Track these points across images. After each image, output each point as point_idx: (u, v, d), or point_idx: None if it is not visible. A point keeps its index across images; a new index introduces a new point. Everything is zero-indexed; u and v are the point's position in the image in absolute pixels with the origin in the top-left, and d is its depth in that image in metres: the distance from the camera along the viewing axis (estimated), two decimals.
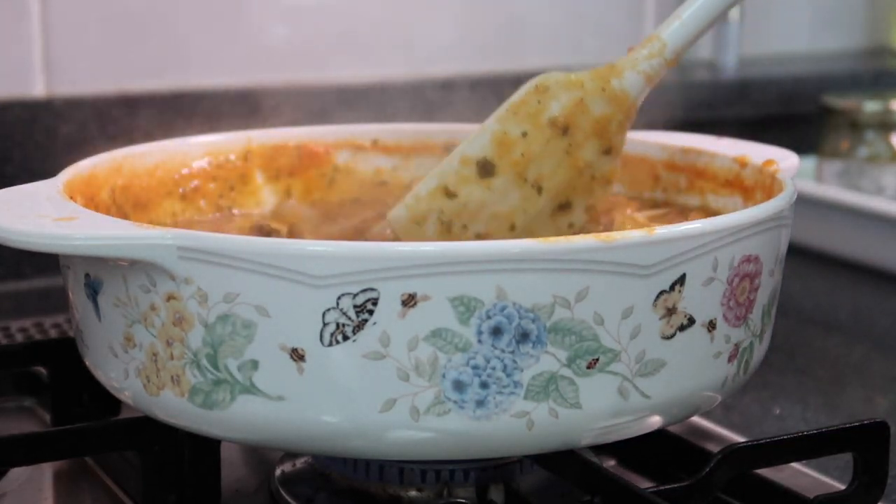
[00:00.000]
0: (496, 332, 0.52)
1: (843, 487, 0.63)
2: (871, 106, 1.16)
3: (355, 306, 0.52)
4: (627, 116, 0.67)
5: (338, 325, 0.52)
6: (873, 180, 1.15)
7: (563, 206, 0.68)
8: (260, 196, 0.77)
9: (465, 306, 0.52)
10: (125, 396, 0.59)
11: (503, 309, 0.52)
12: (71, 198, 0.61)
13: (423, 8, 1.16)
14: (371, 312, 0.52)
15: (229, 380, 0.54)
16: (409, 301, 0.52)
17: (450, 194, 0.68)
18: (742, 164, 0.70)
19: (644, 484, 0.65)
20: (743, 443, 0.60)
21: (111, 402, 0.69)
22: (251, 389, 0.54)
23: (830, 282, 1.06)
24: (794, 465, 0.67)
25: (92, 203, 0.66)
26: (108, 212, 0.67)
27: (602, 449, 0.68)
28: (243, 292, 0.53)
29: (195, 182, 0.75)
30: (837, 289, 1.05)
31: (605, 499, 0.56)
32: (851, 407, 0.80)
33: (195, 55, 1.07)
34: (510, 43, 1.21)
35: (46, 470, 0.68)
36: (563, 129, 0.66)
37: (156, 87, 1.05)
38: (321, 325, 0.52)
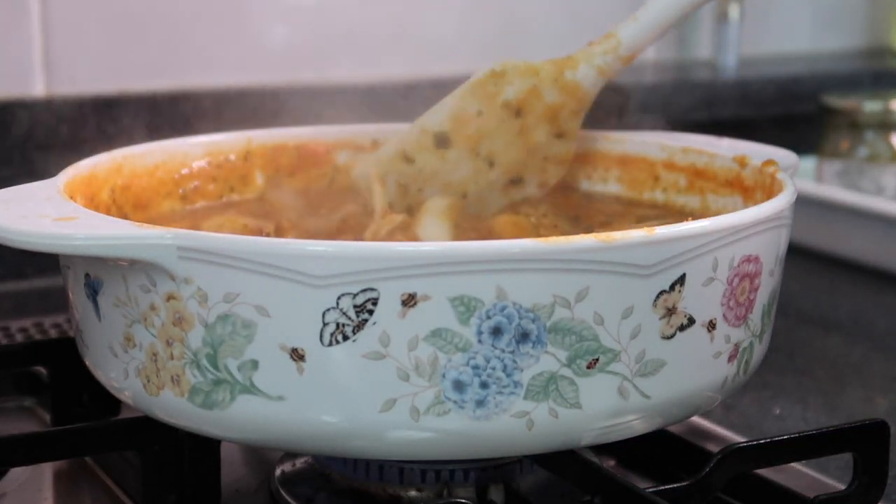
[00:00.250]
0: (496, 332, 0.52)
1: (843, 487, 0.63)
2: (871, 106, 1.16)
3: (355, 306, 0.52)
4: (580, 105, 0.72)
5: (338, 325, 0.52)
6: (873, 180, 1.14)
7: (515, 181, 0.73)
8: (259, 197, 0.77)
9: (465, 306, 0.52)
10: (125, 396, 0.59)
11: (503, 309, 0.52)
12: (71, 198, 0.61)
13: (422, 8, 1.16)
14: (371, 312, 0.52)
15: (229, 380, 0.54)
16: (409, 301, 0.52)
17: (408, 160, 0.73)
18: (742, 164, 0.70)
19: (644, 484, 0.65)
20: (743, 443, 0.60)
21: (111, 402, 0.69)
22: (251, 389, 0.54)
23: (830, 282, 1.06)
24: (794, 465, 0.67)
25: (92, 203, 0.66)
26: (108, 212, 0.67)
27: (602, 449, 0.68)
28: (243, 292, 0.53)
29: (195, 182, 0.75)
30: (837, 289, 1.05)
31: (605, 499, 0.56)
32: (851, 407, 0.80)
33: (195, 55, 1.07)
34: (510, 43, 1.21)
35: (46, 470, 0.68)
36: (517, 111, 0.72)
37: (156, 87, 1.05)
38: (321, 325, 0.52)
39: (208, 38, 1.08)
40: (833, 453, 0.63)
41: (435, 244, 0.53)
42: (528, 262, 0.52)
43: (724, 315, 0.57)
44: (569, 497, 0.62)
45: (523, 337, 0.52)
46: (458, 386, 0.53)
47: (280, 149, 0.78)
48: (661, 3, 0.71)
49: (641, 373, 0.55)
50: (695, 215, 0.72)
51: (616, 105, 1.12)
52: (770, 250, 0.59)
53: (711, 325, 0.56)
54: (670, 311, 0.55)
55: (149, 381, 0.56)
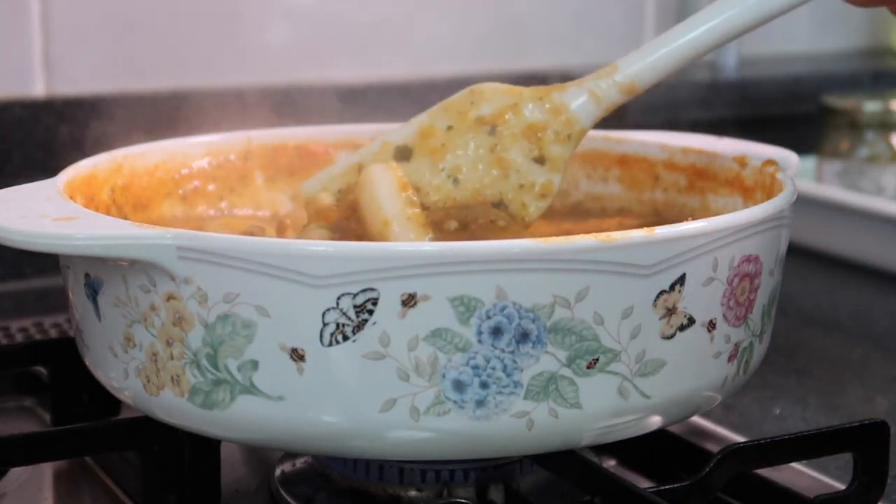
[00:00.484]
0: (496, 332, 0.52)
1: (843, 487, 0.63)
2: (871, 106, 1.16)
3: (355, 306, 0.52)
4: (567, 128, 0.65)
5: (338, 325, 0.52)
6: (873, 180, 1.15)
7: (497, 205, 0.66)
8: (260, 197, 0.77)
9: (465, 306, 0.52)
10: (125, 396, 0.59)
11: (503, 309, 0.52)
12: (71, 198, 0.61)
13: (422, 8, 1.16)
14: (371, 312, 0.52)
15: (229, 380, 0.54)
16: (409, 301, 0.52)
17: (362, 169, 0.66)
18: (742, 164, 0.70)
19: (644, 484, 0.65)
20: (743, 443, 0.60)
21: (111, 402, 0.69)
22: (251, 389, 0.54)
23: (830, 282, 1.06)
24: (794, 465, 0.67)
25: (92, 203, 0.66)
26: (108, 212, 0.67)
27: (602, 449, 0.68)
28: (243, 292, 0.53)
29: (195, 183, 0.75)
30: (837, 289, 1.05)
31: (605, 499, 0.56)
32: (851, 407, 0.80)
33: (195, 55, 1.07)
34: (510, 43, 1.21)
35: (46, 470, 0.68)
36: (491, 127, 0.65)
37: (156, 87, 1.05)
38: (321, 325, 0.52)
39: (208, 38, 1.08)
40: (833, 453, 0.63)
41: (435, 244, 0.53)
42: (528, 262, 0.52)
43: (724, 315, 0.57)
44: (569, 497, 0.62)
45: (523, 337, 0.52)
46: (458, 386, 0.53)
47: (280, 149, 0.78)
48: (670, 39, 0.65)
49: (641, 373, 0.55)
50: (695, 215, 0.72)
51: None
52: (770, 250, 0.59)
53: (711, 325, 0.56)
54: (670, 311, 0.55)
55: (149, 381, 0.56)
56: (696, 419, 0.72)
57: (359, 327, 0.52)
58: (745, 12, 0.64)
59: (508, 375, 0.53)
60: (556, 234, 0.53)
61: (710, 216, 0.59)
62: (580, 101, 0.65)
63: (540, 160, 0.65)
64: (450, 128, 0.66)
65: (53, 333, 0.87)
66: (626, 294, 0.53)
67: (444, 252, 0.52)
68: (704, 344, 0.57)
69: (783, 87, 1.29)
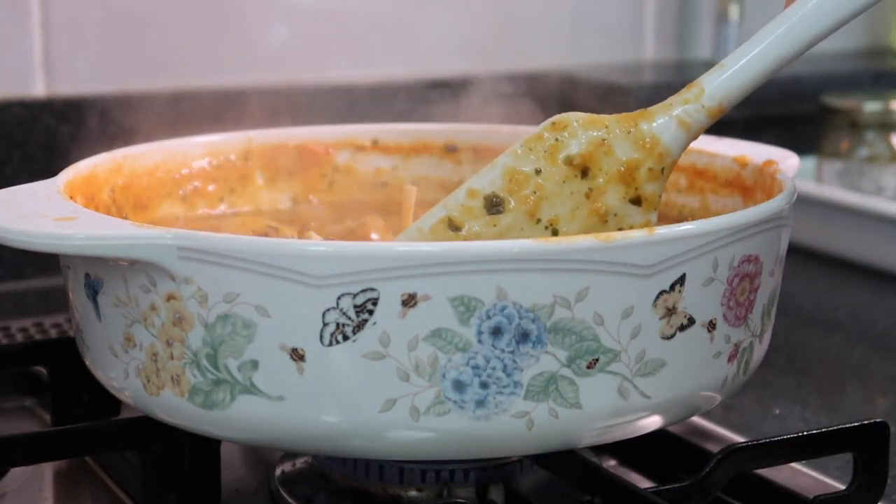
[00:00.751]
0: (496, 332, 0.52)
1: (843, 487, 0.63)
2: (871, 106, 1.16)
3: (355, 306, 0.52)
4: (660, 163, 0.61)
5: (338, 325, 0.52)
6: (873, 180, 1.14)
7: None
8: (260, 197, 0.77)
9: (465, 306, 0.52)
10: (125, 396, 0.59)
11: (503, 309, 0.52)
12: (71, 198, 0.61)
13: (422, 8, 1.16)
14: (371, 312, 0.52)
15: (229, 380, 0.54)
16: (410, 301, 0.52)
17: (454, 227, 0.62)
18: (742, 164, 0.70)
19: (644, 484, 0.65)
20: (743, 443, 0.60)
21: (111, 402, 0.69)
22: (251, 389, 0.54)
23: (830, 282, 1.06)
24: (794, 465, 0.67)
25: (92, 203, 0.66)
26: (108, 212, 0.67)
27: (602, 449, 0.68)
28: (243, 292, 0.53)
29: (195, 183, 0.75)
30: (837, 289, 1.05)
31: (605, 499, 0.56)
32: (851, 407, 0.80)
33: (195, 55, 1.07)
34: (510, 43, 1.21)
35: (46, 470, 0.68)
36: (582, 170, 0.61)
37: (156, 87, 1.05)
38: (321, 325, 0.52)
39: (208, 38, 1.08)
40: (833, 453, 0.63)
41: (435, 244, 0.53)
42: (528, 263, 0.52)
43: (724, 315, 0.57)
44: (569, 497, 0.62)
45: (523, 337, 0.52)
46: (458, 386, 0.53)
47: (280, 149, 0.78)
48: (751, 49, 0.62)
49: (641, 373, 0.55)
50: (695, 215, 0.72)
51: (616, 105, 1.12)
52: (770, 250, 0.59)
53: (711, 325, 0.56)
54: (670, 311, 0.55)
55: (149, 381, 0.56)
56: (696, 419, 0.72)
57: (359, 327, 0.52)
58: (819, 17, 0.61)
59: (508, 375, 0.53)
60: None
61: (710, 216, 0.59)
62: (671, 131, 0.61)
63: (636, 201, 0.61)
64: (538, 171, 0.61)
65: (53, 333, 0.87)
66: (626, 294, 0.53)
67: (445, 252, 0.52)
68: (704, 344, 0.57)
69: (783, 87, 1.29)
